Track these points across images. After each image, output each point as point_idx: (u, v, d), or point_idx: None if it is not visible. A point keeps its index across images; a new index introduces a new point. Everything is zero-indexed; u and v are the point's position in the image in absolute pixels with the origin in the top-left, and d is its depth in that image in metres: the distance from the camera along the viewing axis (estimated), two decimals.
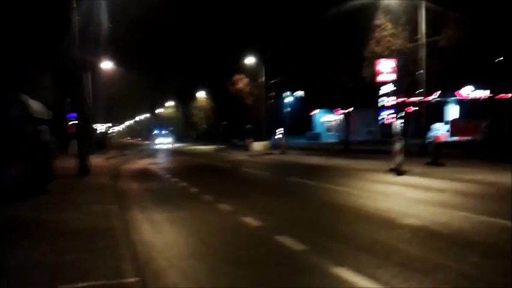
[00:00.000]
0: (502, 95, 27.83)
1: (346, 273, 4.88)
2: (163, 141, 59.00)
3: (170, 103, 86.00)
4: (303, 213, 8.69)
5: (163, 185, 14.80)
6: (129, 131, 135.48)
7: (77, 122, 20.73)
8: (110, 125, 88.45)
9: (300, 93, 60.85)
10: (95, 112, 35.30)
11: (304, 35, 39.39)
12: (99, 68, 33.85)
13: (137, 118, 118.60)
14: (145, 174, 18.68)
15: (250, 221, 7.79)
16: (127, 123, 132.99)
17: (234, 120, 57.75)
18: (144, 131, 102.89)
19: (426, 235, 6.49)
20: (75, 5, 16.78)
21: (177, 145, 56.50)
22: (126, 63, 47.48)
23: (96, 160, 22.43)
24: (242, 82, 50.51)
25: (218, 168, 21.17)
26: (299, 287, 4.72)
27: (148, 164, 24.91)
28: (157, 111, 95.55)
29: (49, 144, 13.86)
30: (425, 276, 4.74)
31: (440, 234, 6.47)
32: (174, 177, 16.48)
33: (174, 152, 40.30)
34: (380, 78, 28.57)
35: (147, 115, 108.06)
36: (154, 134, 65.76)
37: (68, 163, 17.82)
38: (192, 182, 14.35)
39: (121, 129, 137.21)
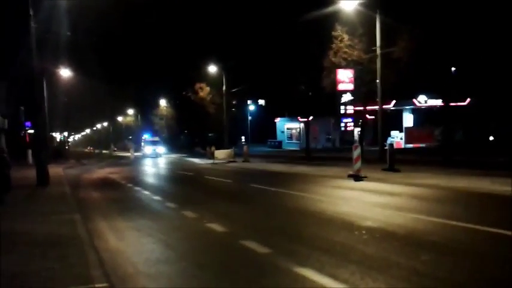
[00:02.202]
0: (454, 104, 29.30)
1: (308, 273, 5.14)
2: (153, 150, 49.72)
3: (130, 111, 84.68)
4: (267, 219, 8.95)
5: (125, 193, 14.69)
6: (88, 139, 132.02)
7: (33, 131, 20.22)
8: (66, 134, 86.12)
9: (261, 101, 61.57)
10: (52, 121, 34.38)
11: (266, 43, 40.01)
12: (57, 76, 33.08)
13: (98, 126, 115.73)
14: (106, 184, 18.43)
15: (216, 226, 7.96)
16: (87, 131, 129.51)
17: (196, 129, 57.58)
18: (103, 140, 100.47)
19: (382, 236, 6.87)
20: (31, 13, 16.48)
21: (137, 154, 55.73)
22: (85, 71, 46.61)
23: (55, 170, 21.89)
24: (204, 91, 50.54)
25: (181, 177, 21.15)
26: (265, 287, 4.94)
27: (108, 173, 24.52)
28: (117, 119, 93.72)
29: (3, 153, 13.48)
30: (381, 273, 5.07)
31: (395, 235, 6.87)
32: (136, 186, 16.38)
33: (134, 161, 39.77)
34: (338, 87, 29.40)
35: (105, 123, 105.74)
36: (144, 141, 53.66)
37: (26, 173, 17.36)
38: (154, 190, 14.35)
39: (80, 137, 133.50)
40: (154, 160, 40.08)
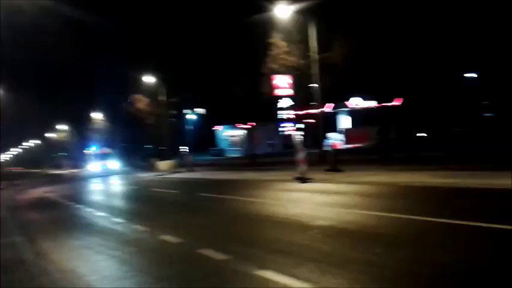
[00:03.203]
0: (388, 104, 30.83)
1: (269, 275, 5.21)
2: (102, 167, 36.72)
3: (63, 127, 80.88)
4: (220, 226, 8.93)
5: (67, 212, 14.04)
6: (19, 159, 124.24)
7: None
8: None
9: (201, 110, 61.20)
10: None
11: (205, 51, 39.99)
12: None
13: (29, 143, 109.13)
14: (45, 204, 17.51)
15: (170, 238, 7.83)
16: (18, 149, 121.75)
17: (135, 141, 56.17)
18: (36, 158, 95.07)
19: (335, 233, 7.11)
20: None
21: (74, 170, 53.27)
22: (11, 87, 44.03)
23: None
24: (142, 102, 49.48)
25: (124, 191, 20.55)
26: None
27: (44, 192, 23.30)
28: (48, 135, 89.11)
29: None
30: (339, 268, 5.24)
31: (347, 232, 7.13)
32: (77, 203, 15.71)
33: (71, 179, 38.04)
34: (277, 92, 29.95)
35: (37, 141, 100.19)
36: (91, 155, 42.11)
37: None
38: (97, 207, 13.86)
39: (12, 156, 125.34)
40: (96, 177, 38.29)
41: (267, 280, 5.08)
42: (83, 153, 47.91)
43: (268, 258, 5.99)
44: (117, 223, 10.31)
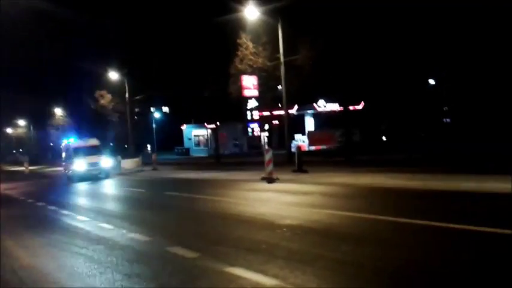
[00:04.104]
0: (352, 107, 31.55)
1: (238, 271, 5.32)
2: (89, 165, 24.70)
3: (21, 122, 78.05)
4: (189, 224, 8.96)
5: (28, 209, 13.67)
6: None
7: None
8: None
9: (166, 108, 60.59)
10: None
11: (172, 50, 39.61)
12: None
13: None
14: (3, 201, 16.93)
15: (137, 236, 7.81)
16: None
17: (99, 139, 54.90)
18: None
19: (303, 232, 7.28)
20: None
21: (32, 168, 51.47)
22: None
23: None
24: (105, 98, 48.57)
25: (87, 189, 20.12)
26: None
27: (2, 189, 22.49)
28: (6, 130, 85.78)
29: None
30: (308, 266, 5.41)
31: (314, 230, 7.32)
32: (39, 201, 15.29)
33: (32, 175, 36.83)
34: (244, 93, 30.12)
35: None
36: (69, 149, 27.04)
37: None
38: (61, 205, 13.54)
39: None
40: (54, 173, 37.11)
41: (236, 277, 5.18)
42: (64, 145, 29.68)
43: (237, 255, 6.09)
44: (82, 221, 10.15)
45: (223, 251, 6.40)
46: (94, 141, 26.87)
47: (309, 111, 38.31)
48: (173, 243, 6.91)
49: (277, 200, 11.16)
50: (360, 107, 34.78)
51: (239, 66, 30.13)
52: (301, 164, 17.91)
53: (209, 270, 5.55)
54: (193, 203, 11.98)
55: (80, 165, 24.00)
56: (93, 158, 24.40)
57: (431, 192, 10.45)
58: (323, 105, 36.48)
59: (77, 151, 25.12)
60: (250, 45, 29.95)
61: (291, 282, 4.83)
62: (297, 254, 5.95)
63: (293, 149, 19.52)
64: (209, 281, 5.19)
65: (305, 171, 17.37)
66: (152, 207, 12.07)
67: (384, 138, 38.57)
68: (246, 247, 6.52)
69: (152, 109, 54.52)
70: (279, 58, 24.49)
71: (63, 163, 27.99)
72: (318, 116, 38.64)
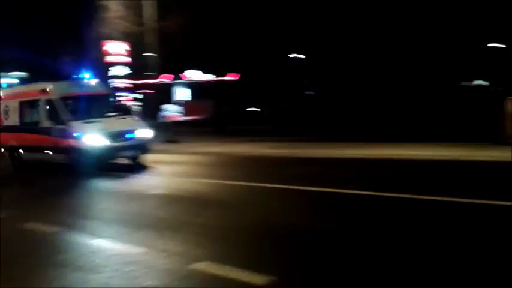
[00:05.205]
0: (224, 79, 31.94)
1: (104, 243, 5.18)
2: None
3: None
4: (49, 198, 8.39)
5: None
6: None
7: None
8: None
9: (21, 74, 54.58)
10: None
11: (25, 11, 35.50)
12: None
13: None
14: None
15: None
16: None
17: None
18: None
19: (172, 200, 7.36)
20: None
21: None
22: None
23: None
24: None
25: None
26: (62, 261, 4.76)
27: None
28: None
29: None
30: (175, 232, 5.51)
31: (183, 198, 7.45)
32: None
33: None
34: (109, 59, 28.42)
35: None
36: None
37: None
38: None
39: None
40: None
41: (102, 247, 5.06)
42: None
43: (104, 227, 5.95)
44: None
45: (89, 224, 6.20)
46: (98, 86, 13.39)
47: (182, 81, 37.85)
48: (30, 219, 6.44)
49: (150, 171, 10.99)
50: (232, 78, 35.35)
51: (103, 30, 28.20)
52: (173, 134, 17.79)
53: (73, 243, 5.36)
54: (54, 177, 11.21)
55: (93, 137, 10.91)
56: (120, 123, 11.75)
57: (297, 159, 11.26)
58: (196, 76, 36.29)
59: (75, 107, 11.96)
60: (117, 8, 28.19)
61: (160, 249, 4.87)
62: (165, 222, 6.02)
63: (163, 120, 19.15)
64: (73, 253, 5.00)
65: (177, 142, 17.32)
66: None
67: (255, 109, 39.91)
68: (115, 219, 6.41)
69: (4, 74, 48.66)
70: (145, 24, 23.49)
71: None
72: (193, 86, 38.37)
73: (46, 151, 11.87)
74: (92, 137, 10.77)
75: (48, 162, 12.14)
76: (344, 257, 4.30)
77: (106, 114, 11.85)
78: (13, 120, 13.06)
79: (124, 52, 28.38)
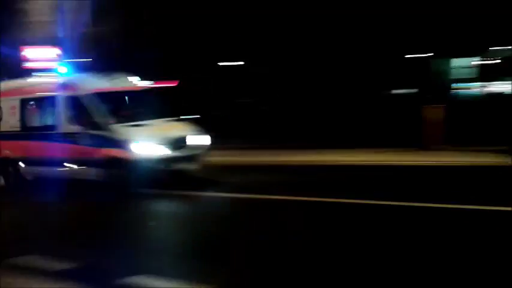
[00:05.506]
0: (165, 85, 31.29)
1: None
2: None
3: None
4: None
5: None
6: None
7: None
8: None
9: None
10: None
11: None
12: None
13: None
14: None
15: None
16: None
17: None
18: None
19: None
20: None
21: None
22: None
23: None
24: None
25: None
26: None
27: None
28: None
29: None
30: None
31: None
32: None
33: None
34: (28, 65, 26.72)
35: None
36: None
37: None
38: None
39: None
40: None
41: None
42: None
43: None
44: None
45: None
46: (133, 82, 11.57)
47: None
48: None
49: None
50: (172, 85, 34.85)
51: (23, 35, 26.58)
52: None
53: None
54: None
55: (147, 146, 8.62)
56: (173, 127, 9.50)
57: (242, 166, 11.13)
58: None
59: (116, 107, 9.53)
60: (39, 11, 26.76)
61: None
62: None
63: None
64: None
65: None
66: None
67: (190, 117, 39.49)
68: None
69: None
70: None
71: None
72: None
73: (67, 164, 9.09)
74: (147, 146, 8.35)
75: (65, 179, 9.13)
76: (281, 265, 4.45)
77: (152, 116, 9.25)
78: (10, 124, 10.14)
79: (50, 57, 26.81)
